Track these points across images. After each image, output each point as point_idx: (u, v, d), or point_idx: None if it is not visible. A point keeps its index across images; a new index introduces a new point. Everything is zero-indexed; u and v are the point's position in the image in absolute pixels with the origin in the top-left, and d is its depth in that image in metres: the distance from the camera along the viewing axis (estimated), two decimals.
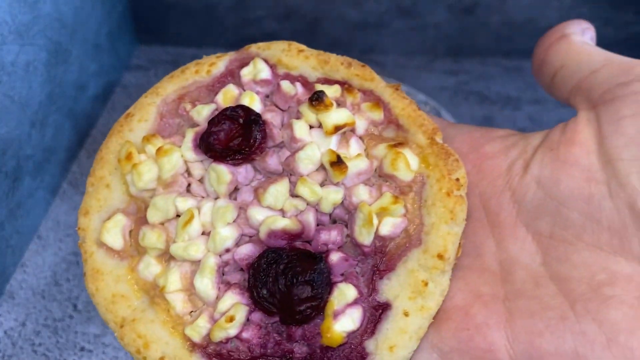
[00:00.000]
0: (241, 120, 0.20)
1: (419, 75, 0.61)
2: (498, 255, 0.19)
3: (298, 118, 0.20)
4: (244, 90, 0.21)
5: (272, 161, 0.20)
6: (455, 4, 0.59)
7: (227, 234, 0.19)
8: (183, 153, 0.20)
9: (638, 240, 0.17)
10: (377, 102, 0.21)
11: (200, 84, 0.23)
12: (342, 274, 0.18)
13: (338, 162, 0.19)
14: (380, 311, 0.18)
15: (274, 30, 0.63)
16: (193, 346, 0.18)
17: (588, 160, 0.19)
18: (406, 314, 0.17)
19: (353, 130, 0.20)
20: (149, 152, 0.20)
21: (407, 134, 0.20)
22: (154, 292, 0.19)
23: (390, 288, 0.18)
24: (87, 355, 0.36)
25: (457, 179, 0.19)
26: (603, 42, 0.70)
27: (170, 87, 0.23)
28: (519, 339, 0.17)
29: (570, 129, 0.20)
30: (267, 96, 0.22)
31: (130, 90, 0.59)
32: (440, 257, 0.18)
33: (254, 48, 0.23)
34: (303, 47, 0.23)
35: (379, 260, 0.18)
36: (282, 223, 0.18)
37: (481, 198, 0.20)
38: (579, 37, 0.22)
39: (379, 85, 0.21)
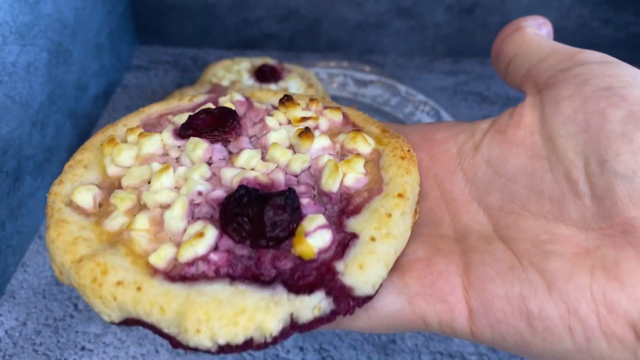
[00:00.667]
0: (217, 114, 0.22)
1: (418, 76, 0.61)
2: (453, 225, 0.22)
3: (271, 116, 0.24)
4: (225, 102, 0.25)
5: (245, 141, 0.22)
6: (455, 4, 0.59)
7: (200, 181, 0.20)
8: (163, 137, 0.22)
9: (574, 206, 0.19)
10: (337, 107, 0.24)
11: (183, 108, 0.25)
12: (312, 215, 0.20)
13: (306, 131, 0.21)
14: (349, 238, 0.19)
15: (274, 30, 0.63)
16: (155, 272, 0.18)
17: (532, 140, 0.21)
18: (373, 239, 0.19)
19: (317, 127, 0.23)
20: (130, 140, 0.22)
21: (364, 129, 0.24)
22: (118, 238, 0.19)
23: (357, 224, 0.19)
24: (88, 355, 0.36)
25: (409, 150, 0.22)
26: (603, 42, 0.71)
27: (155, 107, 0.25)
28: (474, 284, 0.19)
29: (518, 112, 0.22)
30: (245, 114, 0.25)
31: (131, 90, 0.59)
32: (400, 195, 0.20)
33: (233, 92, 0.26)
34: (267, 90, 0.27)
35: (345, 205, 0.20)
36: (253, 174, 0.20)
37: (435, 179, 0.23)
38: (533, 29, 0.25)
39: (331, 103, 0.26)
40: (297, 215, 0.19)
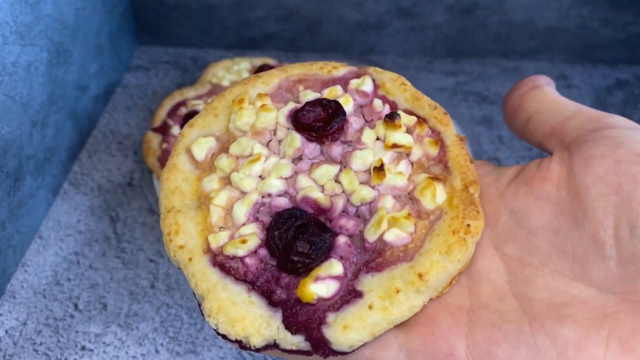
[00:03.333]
0: (330, 111, 0.23)
1: (418, 76, 0.61)
2: (468, 269, 0.21)
3: (373, 128, 0.24)
4: (346, 93, 0.25)
5: (336, 150, 0.23)
6: (455, 4, 0.59)
7: (275, 183, 0.23)
8: (278, 115, 0.24)
9: (597, 267, 0.19)
10: (437, 140, 0.24)
11: (319, 78, 0.26)
12: (341, 256, 0.21)
13: (380, 168, 0.22)
14: (352, 295, 0.20)
15: (274, 31, 0.63)
16: (208, 250, 0.22)
17: (558, 195, 0.21)
18: (370, 307, 0.20)
19: (408, 155, 0.23)
20: (256, 105, 0.25)
21: (450, 175, 0.23)
22: (204, 201, 0.23)
23: (370, 283, 0.20)
24: (88, 355, 0.36)
25: (469, 225, 0.21)
26: (602, 42, 0.71)
27: (296, 69, 0.27)
28: (478, 346, 0.19)
29: (545, 166, 0.22)
30: (362, 106, 0.25)
31: (131, 90, 0.59)
32: (420, 276, 0.20)
33: (371, 69, 0.27)
34: (407, 82, 0.26)
35: (374, 259, 0.21)
36: (317, 195, 0.22)
37: None
38: (551, 88, 0.25)
39: (449, 130, 0.24)
40: (319, 259, 0.21)
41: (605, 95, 0.58)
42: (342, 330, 0.19)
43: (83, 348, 0.36)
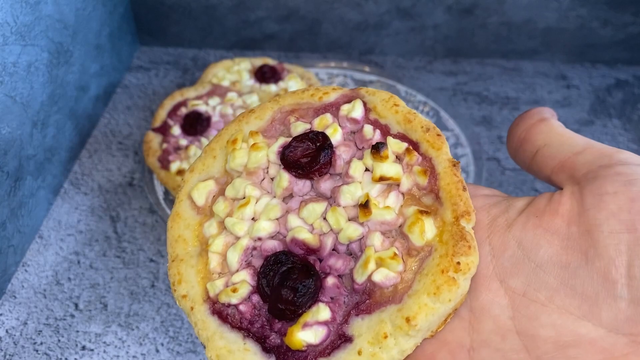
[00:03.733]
0: (317, 144, 0.23)
1: (418, 76, 0.61)
2: (469, 303, 0.21)
3: (361, 158, 0.24)
4: (336, 121, 0.25)
5: (325, 186, 0.23)
6: (454, 5, 0.59)
7: (265, 226, 0.23)
8: (269, 154, 0.24)
9: (607, 307, 0.18)
10: (427, 170, 0.23)
11: (311, 106, 0.26)
12: (331, 297, 0.21)
13: (365, 206, 0.21)
14: (342, 340, 0.20)
15: (274, 31, 0.63)
16: (207, 298, 0.22)
17: (568, 231, 0.20)
18: (359, 353, 0.20)
19: (398, 185, 0.23)
20: (249, 144, 0.25)
21: (441, 207, 0.22)
22: (205, 247, 0.24)
23: (359, 326, 0.20)
24: (88, 354, 0.36)
25: (458, 263, 0.20)
26: (602, 42, 0.71)
27: (288, 99, 0.27)
28: None
29: (556, 200, 0.22)
30: (353, 132, 0.25)
31: (132, 90, 0.59)
32: (407, 320, 0.19)
33: (363, 91, 0.26)
34: (399, 102, 0.25)
35: (364, 300, 0.21)
36: (305, 235, 0.22)
37: None
38: (557, 121, 0.24)
39: (441, 155, 0.23)
40: (307, 301, 0.21)
41: (605, 95, 0.59)
42: None
43: (83, 348, 0.36)
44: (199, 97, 0.48)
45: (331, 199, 0.23)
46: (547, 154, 0.23)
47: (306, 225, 0.22)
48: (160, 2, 0.61)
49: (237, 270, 0.22)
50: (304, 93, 0.26)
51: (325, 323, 0.20)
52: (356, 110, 0.25)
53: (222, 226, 0.24)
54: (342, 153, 0.24)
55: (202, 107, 0.47)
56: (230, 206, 0.24)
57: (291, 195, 0.23)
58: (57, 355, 0.36)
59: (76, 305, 0.39)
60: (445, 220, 0.21)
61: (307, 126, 0.25)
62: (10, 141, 0.39)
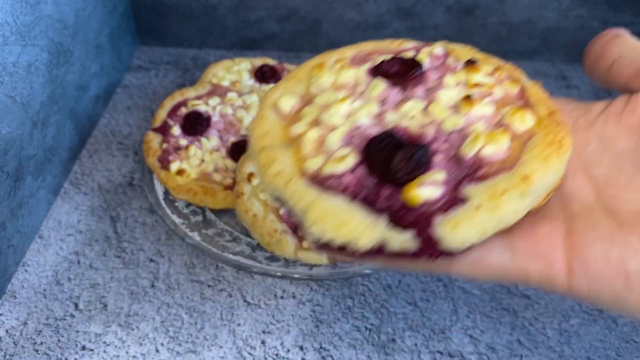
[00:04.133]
0: (408, 64, 0.25)
1: None
2: (558, 190, 0.23)
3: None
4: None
5: (419, 92, 0.25)
6: (454, 5, 0.59)
7: (365, 114, 0.24)
8: (357, 73, 0.26)
9: None
10: (517, 80, 0.25)
11: (389, 50, 0.28)
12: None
13: (468, 97, 0.23)
14: (457, 201, 0.21)
15: (274, 31, 0.63)
16: (304, 174, 0.23)
17: None
18: (477, 208, 0.20)
19: (490, 94, 0.24)
20: (334, 69, 0.27)
21: (531, 108, 0.24)
22: (294, 141, 0.24)
23: (472, 191, 0.21)
24: (89, 354, 0.36)
25: (561, 139, 0.22)
26: None
27: (367, 46, 0.29)
28: (575, 246, 0.20)
29: (633, 101, 0.24)
30: (436, 68, 0.27)
31: (132, 90, 0.59)
32: (524, 178, 0.21)
33: (439, 42, 0.28)
34: (475, 49, 0.28)
35: (472, 172, 0.22)
36: (407, 123, 0.23)
37: None
38: (631, 36, 0.26)
39: (523, 76, 0.26)
40: (420, 169, 0.21)
41: (605, 95, 0.59)
42: (452, 229, 0.20)
43: (83, 348, 0.36)
44: (199, 97, 0.48)
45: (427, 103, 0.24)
46: (622, 64, 0.25)
47: (420, 115, 0.23)
48: (160, 2, 0.61)
49: (338, 149, 0.23)
50: (382, 42, 0.29)
51: (441, 183, 0.21)
52: (437, 49, 0.27)
53: (312, 125, 0.24)
54: (431, 74, 0.25)
55: (202, 107, 0.47)
56: (318, 113, 0.24)
57: (384, 102, 0.25)
58: (57, 355, 0.36)
59: (76, 305, 0.39)
60: (541, 114, 0.23)
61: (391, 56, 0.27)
62: (10, 141, 0.39)
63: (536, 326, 0.38)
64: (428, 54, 0.27)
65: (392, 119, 0.24)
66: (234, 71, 0.53)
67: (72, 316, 0.38)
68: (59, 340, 0.37)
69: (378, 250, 0.20)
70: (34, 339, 0.37)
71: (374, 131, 0.23)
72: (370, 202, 0.21)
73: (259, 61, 0.54)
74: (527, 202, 0.20)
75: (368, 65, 0.26)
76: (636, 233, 0.20)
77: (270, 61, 0.54)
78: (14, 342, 0.37)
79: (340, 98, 0.25)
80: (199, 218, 0.43)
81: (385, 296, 0.40)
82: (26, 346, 0.36)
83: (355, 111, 0.24)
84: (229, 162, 0.45)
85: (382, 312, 0.39)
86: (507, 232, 0.21)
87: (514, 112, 0.23)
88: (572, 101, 0.26)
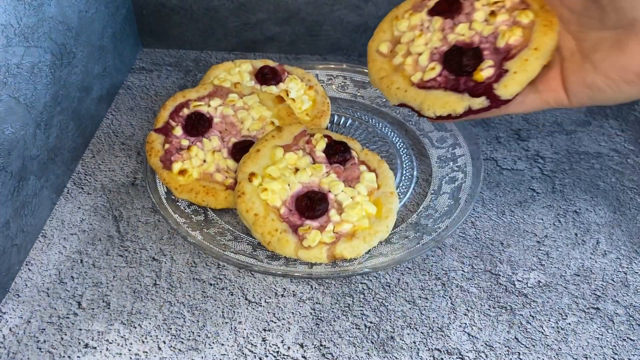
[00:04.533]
0: (449, 2, 0.40)
1: None
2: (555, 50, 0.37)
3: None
4: None
5: (462, 18, 0.40)
6: None
7: (438, 38, 0.40)
8: (422, 15, 0.41)
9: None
10: None
11: None
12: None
13: (493, 13, 0.38)
14: (502, 72, 0.36)
15: (275, 33, 0.64)
16: (413, 83, 0.39)
17: None
18: (515, 72, 0.35)
19: (504, 6, 0.38)
20: (406, 17, 0.42)
21: (530, 7, 0.37)
22: (398, 68, 0.41)
23: (509, 64, 0.36)
24: (91, 352, 0.36)
25: (551, 20, 0.36)
26: None
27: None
28: (565, 77, 0.36)
29: None
30: None
31: (134, 91, 0.59)
32: (535, 49, 0.36)
33: None
34: None
35: (507, 54, 0.37)
36: (462, 38, 0.39)
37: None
38: None
39: None
40: (478, 60, 0.37)
41: None
42: (505, 88, 0.35)
43: (86, 346, 0.37)
44: (200, 98, 0.49)
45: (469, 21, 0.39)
46: None
47: (467, 30, 0.39)
48: (162, 4, 0.62)
49: (428, 64, 0.39)
50: None
51: (491, 66, 0.36)
52: None
53: (406, 55, 0.41)
54: (466, 3, 0.40)
55: (203, 108, 0.48)
56: (407, 46, 0.41)
57: (443, 29, 0.40)
58: (60, 353, 0.36)
59: (79, 303, 0.39)
60: (536, 9, 0.37)
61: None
62: (14, 141, 0.39)
63: (533, 324, 0.38)
64: None
65: (452, 37, 0.39)
66: (235, 73, 0.53)
67: (75, 314, 0.39)
68: (62, 339, 0.37)
69: (468, 112, 0.37)
70: (37, 337, 0.37)
71: (445, 47, 0.39)
72: (455, 88, 0.37)
73: (259, 63, 0.55)
74: (540, 61, 0.35)
75: (426, 9, 0.42)
76: (591, 62, 0.33)
77: (271, 63, 0.55)
78: (17, 340, 0.37)
79: (417, 34, 0.41)
80: (201, 217, 0.44)
81: (384, 294, 0.40)
82: (29, 344, 0.37)
83: (429, 40, 0.40)
84: (230, 162, 0.45)
85: (381, 310, 0.39)
86: (532, 83, 0.36)
87: (519, 14, 0.37)
88: None
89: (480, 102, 0.36)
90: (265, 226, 0.39)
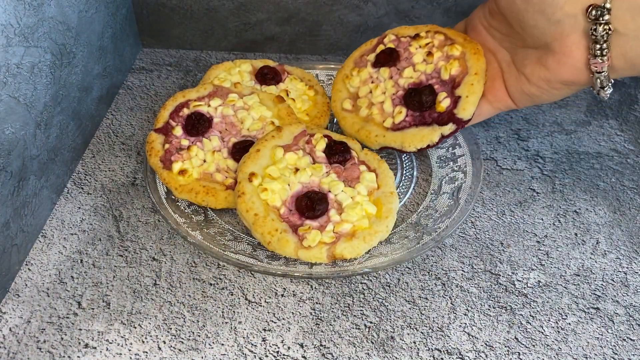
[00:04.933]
0: (386, 52, 0.48)
1: None
2: (489, 66, 0.45)
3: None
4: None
5: (402, 64, 0.47)
6: (452, 7, 0.60)
7: (390, 87, 0.47)
8: (368, 70, 0.49)
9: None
10: (440, 32, 0.47)
11: (369, 50, 0.50)
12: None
13: (429, 53, 0.46)
14: (457, 99, 0.43)
15: (275, 33, 0.64)
16: (387, 128, 0.46)
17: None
18: (467, 97, 0.43)
19: (434, 45, 0.46)
20: (354, 73, 0.50)
21: (455, 41, 0.45)
22: (367, 119, 0.47)
23: (459, 91, 0.43)
24: (91, 352, 0.36)
25: (478, 48, 0.44)
26: None
27: (361, 49, 0.51)
28: (507, 84, 0.43)
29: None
30: (398, 46, 0.49)
31: (134, 92, 0.59)
32: (476, 74, 0.43)
33: (387, 32, 0.50)
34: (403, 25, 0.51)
35: (453, 83, 0.44)
36: (412, 80, 0.46)
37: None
38: None
39: (441, 28, 0.48)
40: (434, 95, 0.44)
41: None
42: (463, 111, 0.43)
43: (86, 346, 0.37)
44: (200, 98, 0.49)
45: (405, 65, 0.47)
46: None
47: (413, 73, 0.46)
48: (162, 4, 0.62)
49: (394, 109, 0.46)
50: (365, 46, 0.51)
51: (446, 96, 0.44)
52: (389, 36, 0.49)
53: (370, 106, 0.47)
54: (401, 50, 0.48)
55: (204, 108, 0.48)
56: (368, 99, 0.47)
57: (392, 76, 0.47)
58: (60, 353, 0.36)
59: (79, 303, 0.39)
60: (461, 41, 0.45)
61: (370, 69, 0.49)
62: (14, 141, 0.39)
63: (533, 324, 0.38)
64: (390, 41, 0.49)
65: (403, 82, 0.46)
66: (235, 73, 0.53)
67: (75, 314, 0.39)
68: (62, 339, 0.37)
69: (441, 138, 0.43)
70: (37, 337, 0.37)
71: (401, 92, 0.46)
72: (424, 122, 0.44)
73: (259, 63, 0.55)
74: (482, 82, 0.43)
75: (369, 64, 0.49)
76: (524, 75, 0.40)
77: (271, 63, 0.55)
78: (17, 341, 0.37)
79: (373, 86, 0.47)
80: (201, 217, 0.44)
81: (384, 294, 0.40)
82: (29, 344, 0.37)
83: (385, 88, 0.47)
84: (230, 162, 0.45)
85: (381, 310, 0.39)
86: (483, 97, 0.43)
87: (450, 49, 0.45)
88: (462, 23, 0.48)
89: (449, 127, 0.43)
90: (265, 226, 0.39)
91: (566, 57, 0.36)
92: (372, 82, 0.47)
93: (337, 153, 0.43)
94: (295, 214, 0.40)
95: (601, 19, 0.33)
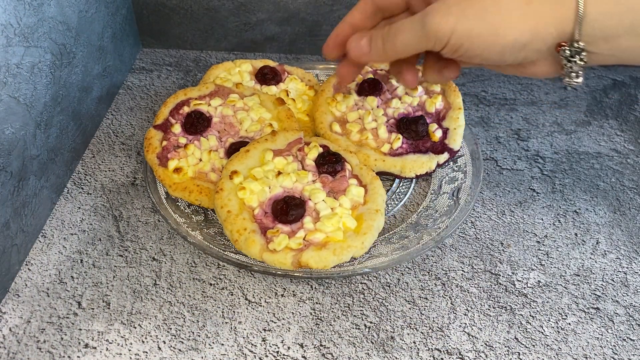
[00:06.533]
0: (369, 82, 0.51)
1: None
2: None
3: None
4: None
5: (387, 95, 0.50)
6: None
7: (379, 114, 0.49)
8: (354, 97, 0.51)
9: None
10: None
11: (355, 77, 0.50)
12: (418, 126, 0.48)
13: (414, 88, 0.50)
14: (446, 130, 0.48)
15: (275, 33, 0.64)
16: (385, 154, 0.48)
17: None
18: (454, 129, 0.48)
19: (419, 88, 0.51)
20: (340, 99, 0.51)
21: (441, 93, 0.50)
22: (360, 143, 0.48)
23: (446, 123, 0.48)
24: (91, 352, 0.36)
25: (456, 85, 0.49)
26: None
27: (333, 78, 0.54)
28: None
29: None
30: (382, 79, 0.52)
31: (134, 91, 0.59)
32: (459, 108, 0.48)
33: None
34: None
35: (439, 116, 0.49)
36: (400, 110, 0.49)
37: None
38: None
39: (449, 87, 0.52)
40: (427, 125, 0.47)
41: (601, 96, 0.59)
42: (454, 142, 0.47)
43: (86, 346, 0.37)
44: (201, 97, 0.49)
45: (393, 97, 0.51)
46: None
47: (400, 104, 0.50)
48: (162, 4, 0.62)
49: (389, 136, 0.48)
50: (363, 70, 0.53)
51: (438, 128, 0.48)
52: (381, 66, 0.53)
53: (362, 131, 0.48)
54: (382, 82, 0.51)
55: (204, 107, 0.48)
56: (359, 124, 0.49)
57: (379, 105, 0.50)
58: (60, 353, 0.36)
59: (79, 303, 0.39)
60: (442, 85, 0.50)
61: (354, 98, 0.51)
62: (14, 141, 0.39)
63: (533, 324, 0.38)
64: (367, 72, 0.52)
65: (391, 111, 0.49)
66: (235, 73, 0.53)
67: (75, 314, 0.39)
68: (62, 339, 0.37)
69: (437, 166, 0.47)
70: (37, 337, 0.37)
71: (392, 120, 0.48)
72: (418, 150, 0.47)
73: (259, 63, 0.55)
74: (462, 115, 0.48)
75: (354, 90, 0.51)
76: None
77: (271, 63, 0.55)
78: (17, 340, 0.37)
79: (365, 113, 0.49)
80: (201, 217, 0.44)
81: (384, 294, 0.40)
82: (29, 344, 0.37)
83: (376, 116, 0.49)
84: (226, 163, 0.45)
85: (381, 310, 0.39)
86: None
87: (428, 85, 0.50)
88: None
89: (444, 157, 0.47)
90: (235, 224, 0.39)
91: (535, 71, 0.35)
92: (359, 109, 0.49)
93: (327, 163, 0.43)
94: (269, 217, 0.40)
95: (576, 56, 0.31)
